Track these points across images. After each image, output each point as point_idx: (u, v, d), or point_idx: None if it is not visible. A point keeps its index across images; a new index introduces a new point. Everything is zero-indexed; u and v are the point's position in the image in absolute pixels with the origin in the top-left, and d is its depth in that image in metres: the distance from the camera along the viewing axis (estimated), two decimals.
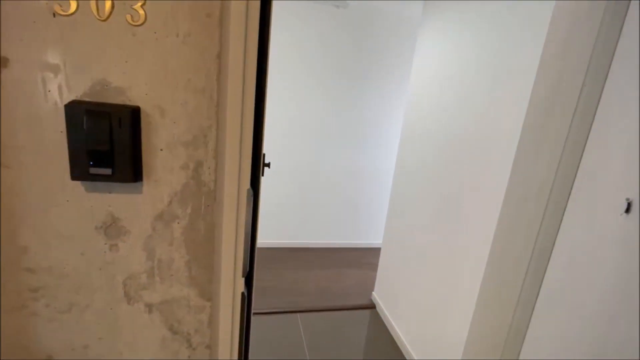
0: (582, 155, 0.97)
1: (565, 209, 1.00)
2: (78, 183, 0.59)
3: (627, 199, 0.83)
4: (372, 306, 2.45)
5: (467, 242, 1.39)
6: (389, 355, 1.98)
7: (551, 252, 1.03)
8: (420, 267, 1.83)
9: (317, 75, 2.84)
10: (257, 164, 0.70)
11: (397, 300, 2.12)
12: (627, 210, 0.84)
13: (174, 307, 0.71)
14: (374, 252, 3.18)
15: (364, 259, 3.15)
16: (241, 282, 0.72)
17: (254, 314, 2.21)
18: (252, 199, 0.68)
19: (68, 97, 0.55)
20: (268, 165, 0.74)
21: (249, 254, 0.72)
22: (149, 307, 0.69)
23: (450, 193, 1.55)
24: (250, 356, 1.93)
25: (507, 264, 1.11)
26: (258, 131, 0.68)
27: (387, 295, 2.28)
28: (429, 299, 1.73)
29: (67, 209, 0.60)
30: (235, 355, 0.77)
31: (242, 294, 0.73)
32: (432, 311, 1.68)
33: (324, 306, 2.37)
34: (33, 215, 0.59)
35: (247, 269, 0.73)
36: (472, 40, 1.45)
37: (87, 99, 0.55)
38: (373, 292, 2.51)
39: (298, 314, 2.27)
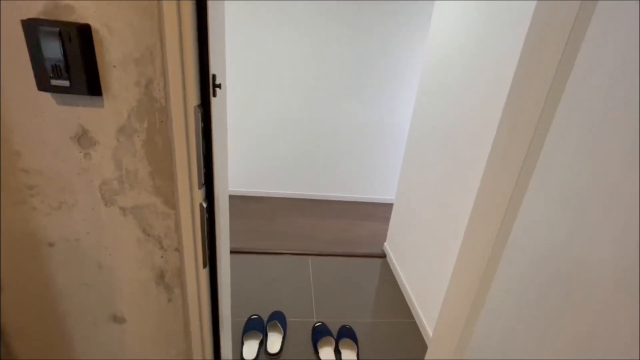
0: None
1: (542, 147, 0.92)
2: (49, 96, 0.69)
3: None
4: (382, 255, 2.51)
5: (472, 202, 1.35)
6: (393, 301, 2.06)
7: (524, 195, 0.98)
8: (429, 222, 1.82)
9: (332, 25, 2.73)
10: (206, 84, 0.75)
11: (405, 252, 2.15)
12: None
13: (144, 212, 0.82)
14: (391, 207, 3.18)
15: (380, 213, 3.18)
16: (198, 193, 0.80)
17: (268, 253, 2.40)
18: (199, 116, 0.74)
19: (27, 15, 0.63)
20: (219, 86, 0.79)
21: (202, 168, 0.79)
22: (123, 210, 0.81)
23: (464, 150, 1.49)
24: (251, 285, 2.13)
25: (486, 214, 1.08)
26: (203, 52, 0.72)
27: (396, 247, 2.31)
28: (434, 255, 1.74)
29: (44, 120, 0.71)
30: (200, 259, 0.88)
31: (201, 204, 0.82)
32: (436, 266, 1.70)
33: (334, 251, 2.49)
34: (20, 125, 0.71)
35: (203, 182, 0.81)
36: None
37: (43, 17, 0.63)
38: (385, 243, 2.56)
39: (309, 257, 2.42)
